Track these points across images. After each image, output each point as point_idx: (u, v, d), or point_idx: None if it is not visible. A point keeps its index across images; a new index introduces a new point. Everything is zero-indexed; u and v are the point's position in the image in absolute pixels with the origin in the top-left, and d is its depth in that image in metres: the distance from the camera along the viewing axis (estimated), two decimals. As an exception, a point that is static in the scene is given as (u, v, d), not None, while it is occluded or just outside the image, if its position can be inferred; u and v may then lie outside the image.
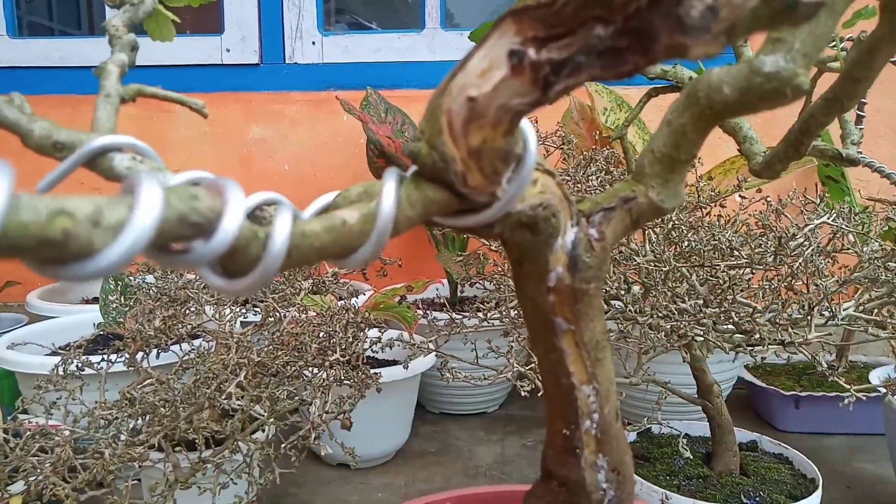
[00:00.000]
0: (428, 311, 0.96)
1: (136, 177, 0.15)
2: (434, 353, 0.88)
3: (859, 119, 1.25)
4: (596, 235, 0.25)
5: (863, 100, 1.20)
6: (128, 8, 0.32)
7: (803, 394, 1.22)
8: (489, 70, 0.18)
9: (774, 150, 0.36)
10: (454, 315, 0.86)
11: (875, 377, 1.01)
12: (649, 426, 0.85)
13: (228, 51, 1.49)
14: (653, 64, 0.17)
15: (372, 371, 0.78)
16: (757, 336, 0.54)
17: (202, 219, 0.16)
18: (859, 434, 1.24)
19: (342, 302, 0.83)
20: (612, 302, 0.73)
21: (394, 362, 1.08)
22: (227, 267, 0.19)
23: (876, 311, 0.72)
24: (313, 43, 1.48)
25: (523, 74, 0.18)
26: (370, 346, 0.79)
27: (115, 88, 0.29)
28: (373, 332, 0.82)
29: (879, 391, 0.91)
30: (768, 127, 1.36)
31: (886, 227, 1.08)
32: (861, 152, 1.25)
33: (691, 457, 0.72)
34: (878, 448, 1.19)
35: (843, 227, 0.73)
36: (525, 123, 0.21)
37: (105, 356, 0.76)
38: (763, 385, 1.27)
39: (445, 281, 1.39)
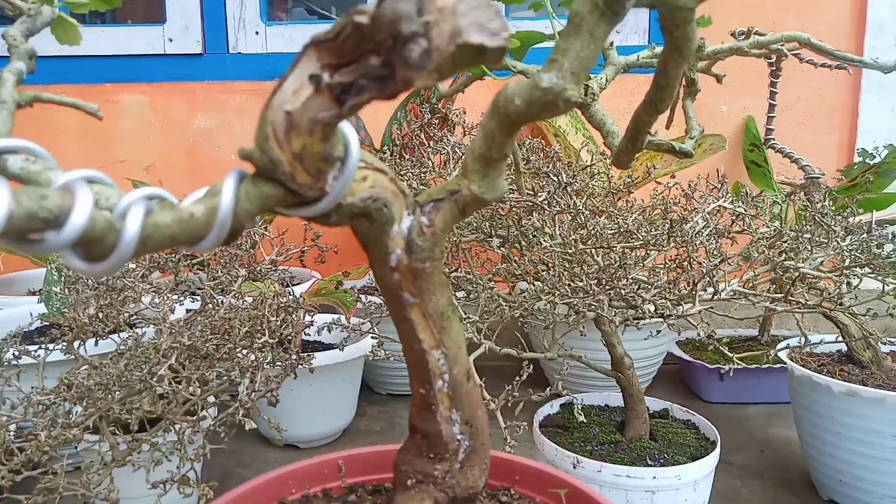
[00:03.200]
0: (362, 296, 1.00)
1: (-12, 182, 0.18)
2: (369, 334, 0.92)
3: (772, 108, 1.33)
4: (427, 223, 0.29)
5: (774, 90, 1.28)
6: (25, 19, 0.35)
7: (727, 367, 1.30)
8: (299, 90, 0.22)
9: (619, 145, 0.41)
10: (386, 298, 0.90)
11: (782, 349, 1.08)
12: (572, 398, 0.91)
13: (171, 41, 1.49)
14: (403, 91, 0.21)
15: (306, 353, 0.82)
16: (641, 311, 0.60)
17: (50, 215, 0.20)
18: (777, 402, 1.33)
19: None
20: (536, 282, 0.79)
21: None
22: (88, 253, 0.23)
23: (769, 287, 0.79)
24: (256, 33, 1.49)
25: (323, 94, 0.22)
26: (303, 330, 0.83)
27: (11, 95, 0.32)
28: (310, 318, 0.86)
29: (782, 361, 0.99)
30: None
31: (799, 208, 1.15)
32: (773, 139, 1.32)
33: (585, 420, 0.78)
34: (791, 414, 1.28)
35: (738, 209, 0.79)
36: (348, 130, 0.26)
37: (42, 344, 0.78)
38: (690, 359, 1.35)
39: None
